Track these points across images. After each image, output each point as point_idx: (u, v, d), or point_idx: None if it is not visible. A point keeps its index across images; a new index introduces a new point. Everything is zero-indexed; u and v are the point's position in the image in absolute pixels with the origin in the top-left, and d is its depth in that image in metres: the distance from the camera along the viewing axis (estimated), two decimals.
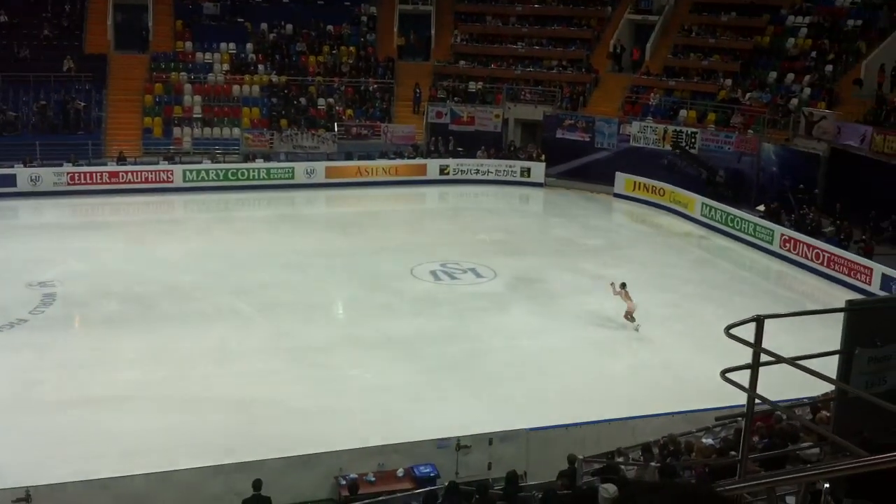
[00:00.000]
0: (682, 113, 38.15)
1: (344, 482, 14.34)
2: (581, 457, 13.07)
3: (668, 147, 36.42)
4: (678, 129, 36.53)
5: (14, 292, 23.80)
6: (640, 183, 36.63)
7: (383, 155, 40.13)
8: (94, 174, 36.41)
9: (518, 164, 39.79)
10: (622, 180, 37.21)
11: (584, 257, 29.11)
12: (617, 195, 37.31)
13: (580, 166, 39.10)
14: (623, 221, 35.67)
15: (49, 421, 17.05)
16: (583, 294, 25.41)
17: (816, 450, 9.92)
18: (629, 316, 22.36)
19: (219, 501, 14.11)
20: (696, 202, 33.74)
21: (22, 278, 24.83)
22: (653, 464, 12.93)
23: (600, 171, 37.97)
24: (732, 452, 11.94)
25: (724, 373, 6.08)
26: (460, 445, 15.29)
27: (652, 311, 23.32)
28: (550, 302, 24.93)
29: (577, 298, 25.05)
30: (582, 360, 20.92)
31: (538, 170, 39.38)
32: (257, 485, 13.41)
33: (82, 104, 39.75)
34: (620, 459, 13.50)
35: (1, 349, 20.39)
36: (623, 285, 22.32)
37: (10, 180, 35.39)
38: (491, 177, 39.67)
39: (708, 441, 13.07)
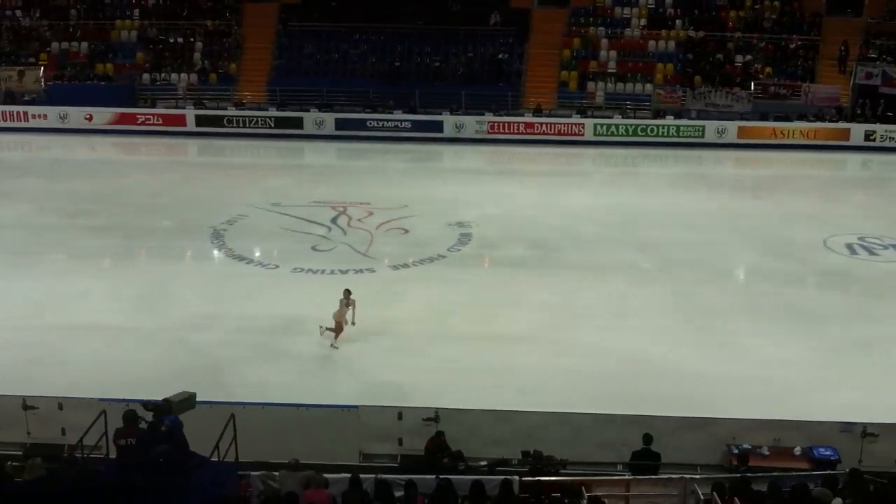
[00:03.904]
0: None
1: (736, 451, 13.99)
2: None
3: None
4: None
5: (435, 230, 25.94)
6: None
7: (802, 116, 37.96)
8: (511, 124, 38.38)
9: None
10: None
11: None
12: None
13: None
14: None
15: (456, 350, 18.36)
16: None
17: None
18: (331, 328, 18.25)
19: (608, 448, 14.38)
20: None
21: (443, 218, 26.98)
22: None
23: None
24: None
25: None
26: (867, 432, 14.21)
27: None
28: None
29: None
30: None
31: None
32: (648, 439, 13.50)
33: (505, 56, 41.81)
34: None
35: (421, 281, 22.32)
36: (347, 293, 18.36)
37: (438, 126, 38.41)
38: None
39: None
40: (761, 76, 39.96)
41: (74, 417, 13.98)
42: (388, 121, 38.95)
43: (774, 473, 12.45)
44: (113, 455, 12.09)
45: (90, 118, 39.56)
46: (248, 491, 12.01)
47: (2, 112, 40.29)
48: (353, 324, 18.50)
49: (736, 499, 11.10)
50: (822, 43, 41.11)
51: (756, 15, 42.47)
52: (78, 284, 21.66)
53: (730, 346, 18.67)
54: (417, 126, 38.73)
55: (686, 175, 34.59)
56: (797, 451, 14.18)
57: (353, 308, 18.50)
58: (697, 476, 12.67)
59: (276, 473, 12.21)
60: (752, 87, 39.10)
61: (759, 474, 12.29)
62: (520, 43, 42.68)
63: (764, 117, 38.23)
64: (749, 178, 34.65)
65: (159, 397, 11.72)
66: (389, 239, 25.33)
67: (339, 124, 39.04)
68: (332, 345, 18.45)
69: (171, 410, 11.33)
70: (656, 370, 17.49)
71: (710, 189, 32.09)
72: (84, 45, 44.03)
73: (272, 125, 39.41)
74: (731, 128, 37.61)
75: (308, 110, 39.73)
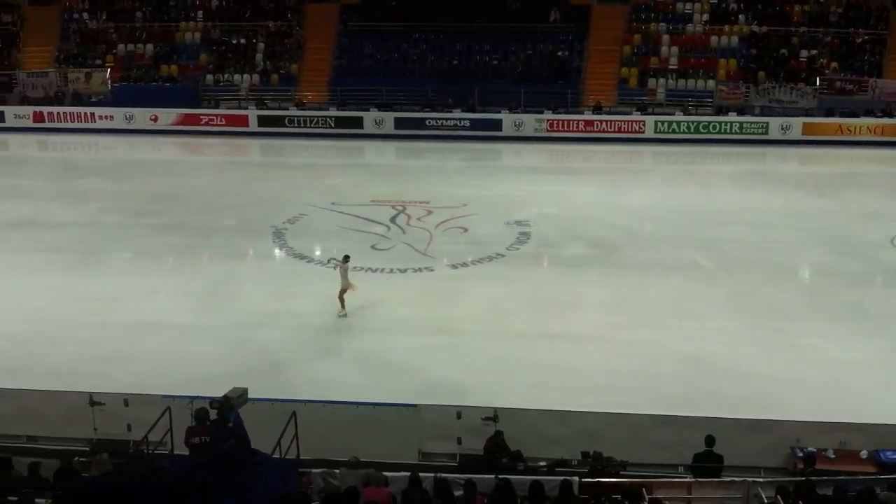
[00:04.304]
0: None
1: (800, 454, 13.74)
2: None
3: None
4: None
5: (494, 229, 25.92)
6: None
7: (868, 112, 37.17)
8: (570, 122, 38.21)
9: None
10: None
11: None
12: None
13: None
14: None
15: (514, 349, 18.29)
16: None
17: None
18: (341, 296, 19.63)
19: (667, 450, 14.20)
20: None
21: (502, 216, 26.97)
22: None
23: None
24: None
25: None
26: None
27: None
28: None
29: None
30: None
31: None
32: (710, 441, 13.31)
33: (566, 53, 41.60)
34: None
35: (480, 280, 22.31)
36: (346, 258, 19.89)
37: (497, 125, 38.37)
38: None
39: None
40: (827, 71, 39.20)
41: (140, 414, 14.28)
42: (446, 119, 39.04)
43: (840, 477, 12.23)
44: (178, 451, 12.35)
45: (155, 119, 40.32)
46: (309, 488, 12.13)
47: (70, 113, 41.28)
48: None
49: (800, 502, 10.91)
50: (889, 37, 40.16)
51: (821, 9, 41.65)
52: (143, 283, 22.08)
53: (794, 347, 18.37)
54: (476, 125, 38.75)
55: (749, 173, 34.10)
56: (864, 454, 13.89)
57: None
58: (761, 479, 12.49)
59: (337, 471, 12.31)
60: (818, 83, 38.39)
61: (825, 478, 12.06)
62: (579, 40, 42.43)
63: (830, 113, 37.49)
64: (814, 176, 34.05)
65: (223, 395, 11.92)
66: (448, 238, 25.38)
67: (399, 123, 39.24)
68: (339, 314, 19.50)
69: (232, 407, 11.52)
70: (718, 371, 17.25)
71: (774, 187, 31.59)
72: (149, 46, 44.89)
73: (332, 125, 39.76)
74: (796, 124, 36.97)
75: (368, 110, 40.01)
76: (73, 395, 15.14)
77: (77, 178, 33.85)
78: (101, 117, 41.02)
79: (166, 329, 19.23)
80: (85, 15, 46.59)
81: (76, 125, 40.98)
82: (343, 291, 19.62)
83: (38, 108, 41.66)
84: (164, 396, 14.18)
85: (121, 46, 45.03)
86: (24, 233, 26.16)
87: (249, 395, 12.47)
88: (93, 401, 14.88)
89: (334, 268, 19.90)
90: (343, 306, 19.64)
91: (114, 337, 18.75)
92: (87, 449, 14.26)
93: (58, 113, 41.33)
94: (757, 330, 19.24)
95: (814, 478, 11.83)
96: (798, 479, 12.16)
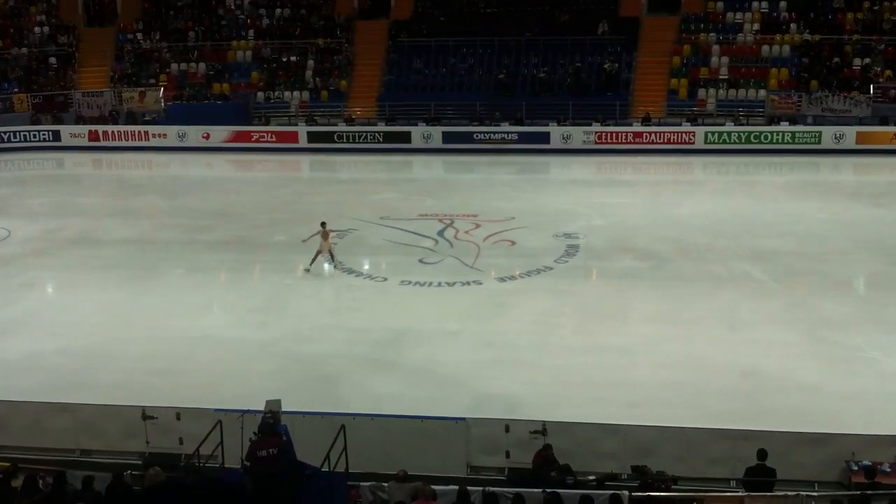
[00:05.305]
0: None
1: (855, 468, 13.47)
2: None
3: None
4: None
5: (543, 241, 25.87)
6: None
7: None
8: (619, 134, 38.08)
9: None
10: None
11: None
12: None
13: None
14: None
15: (564, 362, 18.17)
16: None
17: None
18: (319, 256, 22.99)
19: (720, 465, 14.01)
20: None
21: (550, 229, 26.91)
22: None
23: None
24: None
25: None
26: None
27: None
28: None
29: None
30: None
31: None
32: (762, 455, 13.11)
33: (615, 65, 41.42)
34: None
35: (528, 293, 22.23)
36: (323, 224, 23.12)
37: (545, 137, 38.34)
38: None
39: None
40: (881, 80, 38.56)
41: (191, 427, 14.41)
42: (494, 133, 39.10)
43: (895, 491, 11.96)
44: (228, 465, 12.46)
45: (207, 137, 40.95)
46: (358, 501, 12.18)
47: (124, 132, 42.13)
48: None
49: None
50: None
51: (875, 17, 41.03)
52: (195, 298, 22.38)
53: (849, 360, 18.01)
54: (524, 138, 38.77)
55: (802, 183, 33.64)
56: None
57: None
58: (815, 493, 12.28)
59: (385, 485, 12.35)
60: (872, 91, 37.77)
61: (880, 492, 11.81)
62: (628, 52, 42.26)
63: (884, 122, 36.90)
64: (869, 186, 33.47)
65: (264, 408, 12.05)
66: (496, 251, 25.36)
67: (447, 138, 39.41)
68: (305, 268, 23.06)
69: (279, 420, 11.64)
70: (771, 384, 16.97)
71: (828, 197, 31.12)
72: (202, 65, 45.66)
73: (381, 140, 40.06)
74: (850, 133, 36.42)
75: (416, 124, 40.20)
76: (127, 409, 15.34)
77: (131, 196, 34.48)
78: (154, 135, 41.82)
79: (218, 343, 19.43)
80: (139, 35, 47.57)
81: (130, 143, 41.81)
82: (319, 252, 22.82)
83: (93, 127, 42.61)
84: (216, 410, 14.32)
85: (174, 66, 45.87)
86: (80, 249, 26.67)
87: (303, 409, 12.58)
88: (145, 415, 15.06)
89: (318, 233, 22.93)
90: (312, 263, 22.94)
91: (167, 351, 19.00)
92: (140, 462, 14.44)
93: (112, 131, 42.20)
94: (811, 342, 18.92)
95: (868, 492, 11.59)
96: (852, 493, 11.93)
